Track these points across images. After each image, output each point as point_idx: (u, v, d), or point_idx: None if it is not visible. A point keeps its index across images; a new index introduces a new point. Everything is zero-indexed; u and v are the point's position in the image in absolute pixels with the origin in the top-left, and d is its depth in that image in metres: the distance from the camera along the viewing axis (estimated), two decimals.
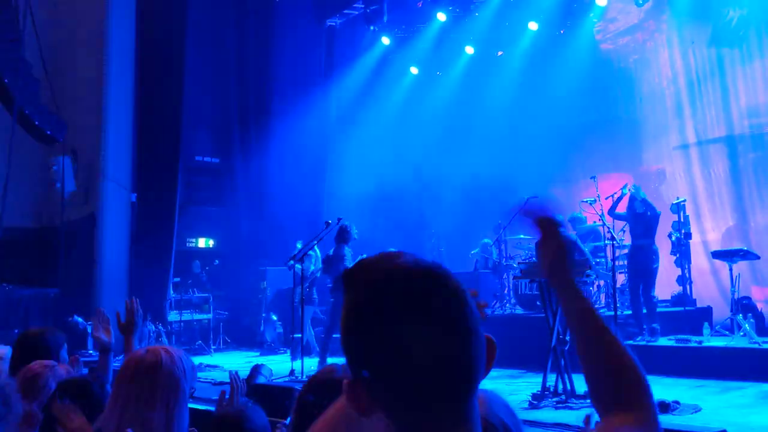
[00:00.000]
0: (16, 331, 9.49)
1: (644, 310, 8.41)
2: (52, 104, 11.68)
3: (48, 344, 3.20)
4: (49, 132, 11.52)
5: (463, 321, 0.93)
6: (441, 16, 12.80)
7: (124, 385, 2.16)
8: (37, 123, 11.31)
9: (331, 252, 9.31)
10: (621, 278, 9.79)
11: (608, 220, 9.12)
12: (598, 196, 8.83)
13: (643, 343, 7.95)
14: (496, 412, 1.47)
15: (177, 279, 12.19)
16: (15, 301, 11.15)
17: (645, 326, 8.07)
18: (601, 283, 8.91)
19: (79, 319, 10.77)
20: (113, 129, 12.08)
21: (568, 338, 6.22)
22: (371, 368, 0.93)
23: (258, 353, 10.93)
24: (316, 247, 10.03)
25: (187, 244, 13.29)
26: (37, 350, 3.09)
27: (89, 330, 11.12)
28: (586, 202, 7.48)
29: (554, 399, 6.04)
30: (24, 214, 13.10)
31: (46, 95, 11.71)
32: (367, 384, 0.93)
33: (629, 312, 8.56)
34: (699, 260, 10.03)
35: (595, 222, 9.21)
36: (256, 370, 6.49)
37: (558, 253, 1.28)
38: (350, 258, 9.06)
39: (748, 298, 9.25)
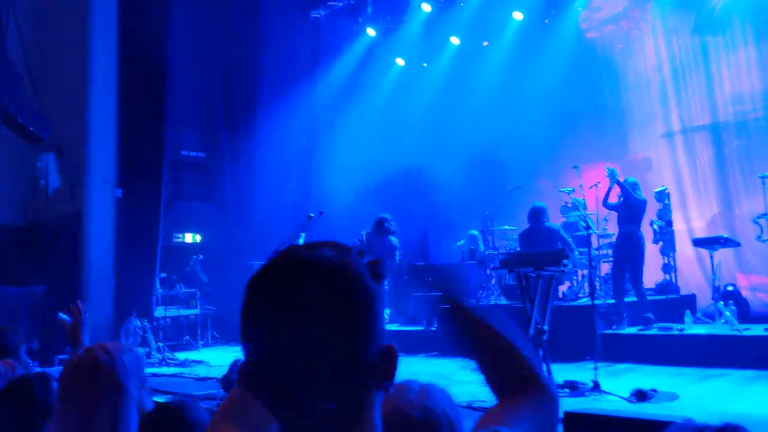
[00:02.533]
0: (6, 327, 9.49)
1: (634, 299, 8.42)
2: (35, 102, 11.62)
3: (7, 344, 3.17)
4: (33, 129, 11.45)
5: (343, 319, 0.89)
6: (426, 7, 12.76)
7: (64, 390, 2.12)
8: (20, 121, 11.23)
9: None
10: (605, 267, 9.82)
11: (592, 210, 9.14)
12: (581, 186, 8.83)
13: (622, 331, 7.96)
14: (438, 403, 1.48)
15: (164, 274, 12.17)
16: (2, 300, 11.11)
17: (624, 314, 8.06)
18: (584, 272, 8.90)
19: (65, 317, 10.72)
20: (98, 125, 12.03)
21: (546, 327, 6.22)
22: (246, 356, 0.94)
23: None
24: (301, 241, 10.02)
25: (174, 239, 13.26)
26: None
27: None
28: (565, 191, 7.47)
29: None
30: (10, 212, 13.06)
31: (30, 93, 11.65)
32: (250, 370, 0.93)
33: (613, 301, 8.55)
34: (684, 248, 10.04)
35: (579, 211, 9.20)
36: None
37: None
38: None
39: (733, 285, 9.28)
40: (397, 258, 9.81)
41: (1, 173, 11.65)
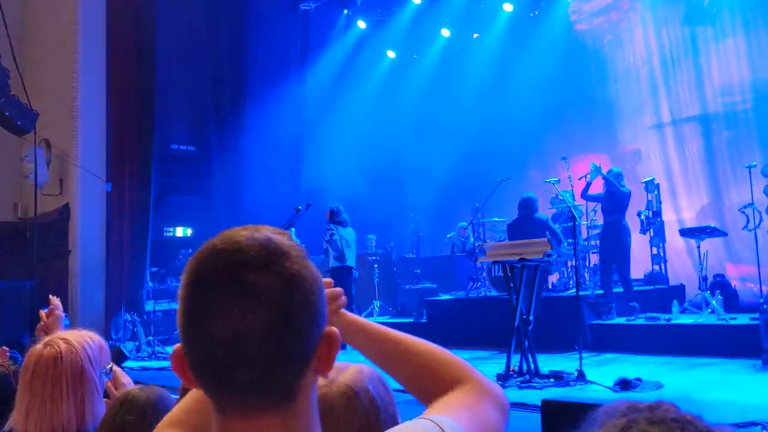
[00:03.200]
0: None
1: (620, 290, 8.44)
2: (22, 95, 11.54)
3: None
4: (19, 123, 11.38)
5: (277, 303, 0.87)
6: None
7: (26, 383, 2.10)
8: (7, 113, 11.16)
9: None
10: (594, 258, 9.83)
11: (579, 201, 9.13)
12: (570, 177, 8.81)
13: (610, 321, 7.97)
14: (361, 381, 1.47)
15: (154, 269, 12.13)
16: None
17: (613, 304, 8.08)
18: (572, 262, 8.90)
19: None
20: (86, 118, 11.99)
21: (532, 318, 6.22)
22: (181, 339, 0.90)
23: None
24: (293, 234, 10.01)
25: (165, 233, 13.21)
26: None
27: (66, 321, 11.08)
28: (550, 182, 7.47)
29: (518, 379, 6.04)
30: None
31: (17, 85, 11.57)
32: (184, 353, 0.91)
33: (601, 291, 8.56)
34: (674, 239, 10.05)
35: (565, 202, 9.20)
36: None
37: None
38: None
39: (722, 276, 9.29)
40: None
41: None
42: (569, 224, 8.81)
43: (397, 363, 1.21)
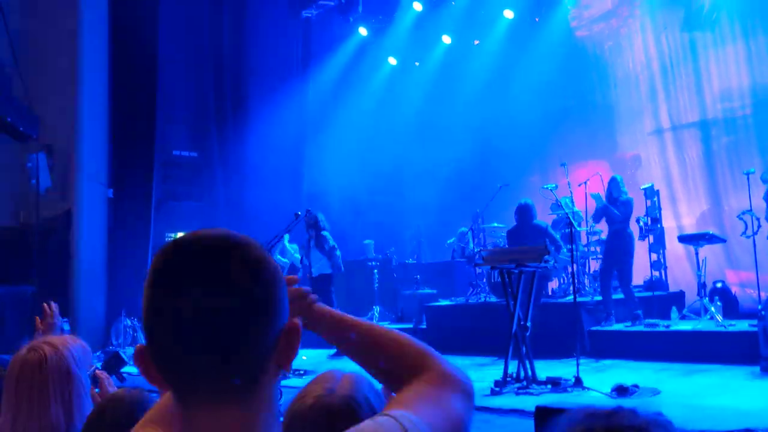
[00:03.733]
0: None
1: (621, 296, 8.45)
2: (25, 100, 11.60)
3: None
4: (22, 128, 11.44)
5: (237, 290, 0.89)
6: (417, 6, 12.77)
7: (12, 388, 2.12)
8: (9, 119, 11.22)
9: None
10: (594, 264, 9.83)
11: (581, 207, 9.15)
12: (569, 183, 8.83)
13: (609, 327, 7.97)
14: (360, 390, 1.50)
15: None
16: None
17: (612, 311, 8.08)
18: (571, 269, 8.90)
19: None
20: (88, 124, 12.03)
21: (529, 324, 6.23)
22: (144, 331, 0.93)
23: None
24: (286, 239, 10.09)
25: (166, 239, 13.23)
26: None
27: (66, 328, 11.11)
28: (548, 188, 7.48)
29: (516, 385, 6.04)
30: (1, 213, 13.05)
31: (19, 91, 11.63)
32: (148, 349, 0.92)
33: (600, 297, 8.57)
34: (674, 245, 10.04)
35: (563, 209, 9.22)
36: None
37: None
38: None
39: (722, 282, 9.28)
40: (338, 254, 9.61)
41: None
42: (568, 230, 8.82)
43: (366, 353, 1.22)
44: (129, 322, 10.74)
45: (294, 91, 13.61)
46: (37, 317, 3.33)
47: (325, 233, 9.60)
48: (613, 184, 8.49)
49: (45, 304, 3.11)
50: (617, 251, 8.29)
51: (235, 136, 13.53)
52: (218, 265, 0.89)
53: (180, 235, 0.98)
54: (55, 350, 2.17)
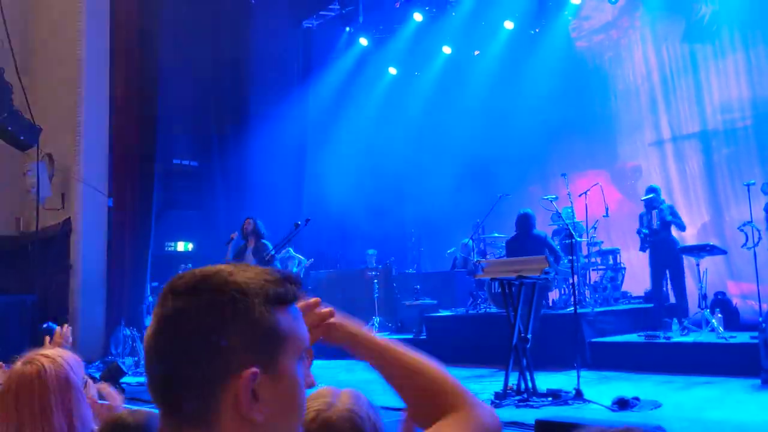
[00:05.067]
0: None
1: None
2: (25, 109, 11.62)
3: None
4: (22, 138, 11.46)
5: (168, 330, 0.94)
6: (417, 17, 12.81)
7: (12, 401, 2.11)
8: (10, 128, 11.24)
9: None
10: (594, 275, 9.83)
11: (581, 218, 9.15)
12: (569, 194, 8.85)
13: (609, 339, 7.96)
14: (361, 405, 1.51)
15: (155, 283, 12.12)
16: None
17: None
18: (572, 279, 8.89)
19: (54, 326, 10.68)
20: (88, 133, 12.04)
21: (530, 336, 6.20)
22: None
23: None
24: (290, 249, 10.08)
25: (166, 248, 13.24)
26: None
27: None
28: (548, 199, 7.48)
29: (516, 398, 6.01)
30: (1, 222, 13.06)
31: (20, 100, 11.65)
32: None
33: (601, 309, 8.57)
34: None
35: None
36: None
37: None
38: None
39: (723, 293, 9.26)
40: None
41: None
42: (568, 241, 8.82)
43: (399, 381, 1.22)
44: (128, 332, 10.70)
45: (295, 100, 13.64)
46: (47, 337, 3.33)
47: (265, 241, 9.18)
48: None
49: (59, 327, 3.13)
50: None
51: (236, 145, 13.54)
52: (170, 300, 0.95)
53: None
54: (52, 360, 2.18)
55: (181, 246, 13.59)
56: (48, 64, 12.95)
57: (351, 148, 13.44)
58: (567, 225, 6.80)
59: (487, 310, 9.49)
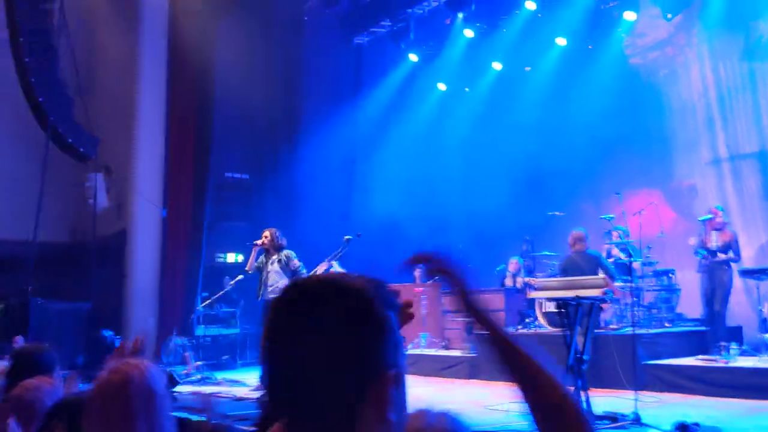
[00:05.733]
0: (47, 344, 9.72)
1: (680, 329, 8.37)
2: (85, 122, 11.99)
3: (45, 361, 3.23)
4: (82, 149, 11.82)
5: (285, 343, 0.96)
6: (468, 33, 12.81)
7: (99, 409, 2.17)
8: (70, 141, 11.61)
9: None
10: (649, 296, 9.64)
11: (636, 237, 9.00)
12: (624, 213, 8.73)
13: (666, 361, 7.80)
14: (458, 428, 1.52)
15: (206, 294, 12.32)
16: (49, 315, 11.40)
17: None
18: (626, 300, 8.76)
19: (108, 333, 10.95)
20: (145, 146, 12.37)
21: (587, 357, 6.12)
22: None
23: None
24: (336, 263, 10.09)
25: (216, 259, 13.44)
26: (35, 367, 3.13)
27: (116, 345, 11.34)
28: (606, 218, 7.38)
29: None
30: (58, 230, 13.44)
31: (80, 113, 12.02)
32: None
33: (657, 330, 8.42)
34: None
35: (622, 238, 9.10)
36: None
37: (459, 290, 1.28)
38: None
39: None
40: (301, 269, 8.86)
41: (52, 192, 11.98)
42: (622, 261, 8.70)
43: (519, 372, 1.25)
44: (180, 341, 10.88)
45: (344, 115, 13.77)
46: (119, 347, 3.41)
47: (288, 251, 8.96)
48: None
49: (136, 338, 3.18)
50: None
51: (287, 159, 13.72)
52: (311, 313, 0.96)
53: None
54: (137, 371, 2.23)
55: (231, 257, 13.78)
56: (108, 80, 13.33)
57: (399, 164, 13.48)
58: (627, 244, 6.69)
59: (538, 329, 9.38)
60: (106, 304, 12.27)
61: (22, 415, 2.71)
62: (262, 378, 1.00)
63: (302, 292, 0.99)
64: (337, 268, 10.21)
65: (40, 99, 10.99)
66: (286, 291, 1.00)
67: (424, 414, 1.52)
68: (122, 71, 12.87)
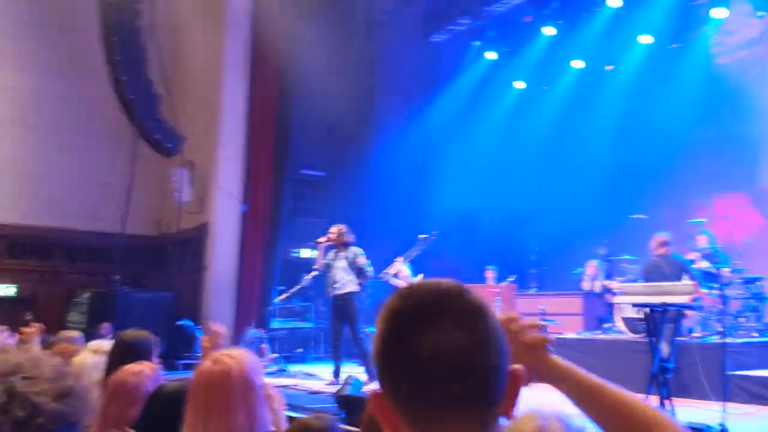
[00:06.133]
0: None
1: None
2: (171, 119, 12.41)
3: (146, 348, 3.37)
4: (168, 145, 12.25)
5: (476, 324, 0.98)
6: (549, 31, 12.61)
7: (201, 397, 2.25)
8: (157, 136, 12.05)
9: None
10: (736, 304, 9.27)
11: (723, 243, 8.69)
12: (710, 218, 8.44)
13: (753, 372, 7.49)
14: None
15: (282, 287, 12.56)
16: (133, 304, 11.88)
17: None
18: (713, 308, 8.45)
19: (189, 323, 11.30)
20: (227, 142, 12.71)
21: (671, 366, 5.95)
22: (389, 370, 0.99)
23: (357, 364, 11.06)
24: (407, 265, 10.12)
25: (292, 254, 13.68)
26: (136, 352, 3.26)
27: (198, 334, 11.70)
28: (695, 223, 7.14)
29: None
30: (144, 223, 13.97)
31: (167, 111, 12.46)
32: (387, 390, 0.98)
33: (745, 340, 8.11)
34: None
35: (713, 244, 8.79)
36: (346, 381, 6.61)
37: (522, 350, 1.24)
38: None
39: None
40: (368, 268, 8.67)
41: (139, 186, 12.47)
42: (713, 266, 8.41)
43: (602, 415, 1.25)
44: (256, 333, 11.13)
45: (420, 114, 13.79)
46: (206, 336, 3.53)
47: (354, 247, 8.84)
48: None
49: (218, 327, 3.28)
50: None
51: (362, 156, 13.83)
52: (458, 301, 0.99)
53: (417, 289, 1.04)
54: (237, 362, 2.32)
55: (305, 253, 14.00)
56: (192, 77, 13.74)
57: (475, 162, 13.40)
58: (717, 250, 6.47)
59: (617, 335, 9.16)
60: (187, 295, 12.69)
61: (125, 399, 2.84)
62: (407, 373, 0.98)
63: (456, 284, 1.03)
64: (405, 271, 10.12)
65: (130, 96, 11.44)
66: (418, 289, 1.03)
67: (535, 416, 1.52)
68: (206, 70, 13.26)
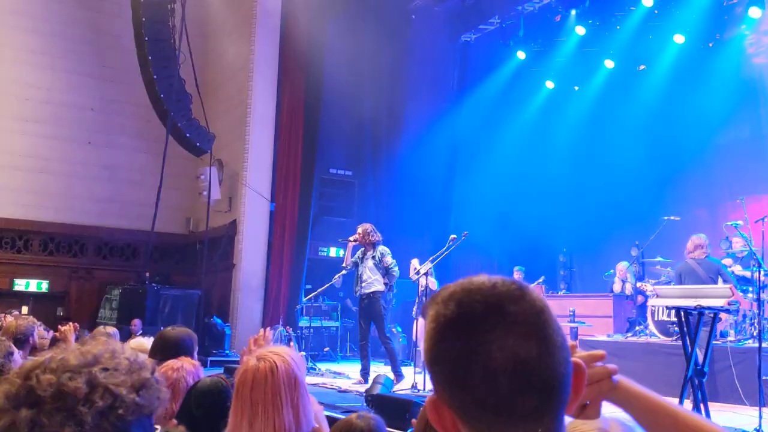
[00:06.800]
0: (161, 328, 10.25)
1: None
2: (202, 118, 12.51)
3: (187, 344, 3.39)
4: (198, 144, 12.34)
5: (541, 331, 0.93)
6: (580, 30, 12.49)
7: (247, 394, 2.26)
8: (187, 135, 12.15)
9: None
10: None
11: (758, 246, 8.52)
12: (746, 220, 8.27)
13: None
14: None
15: (309, 286, 12.60)
16: (162, 300, 12.00)
17: None
18: (747, 311, 8.30)
19: (218, 321, 11.37)
20: (256, 142, 12.79)
21: (706, 369, 5.85)
22: (450, 381, 0.94)
23: (383, 363, 11.06)
24: (432, 269, 10.04)
25: (319, 253, 13.73)
26: (177, 348, 3.29)
27: (227, 331, 11.78)
28: (731, 225, 7.01)
29: None
30: (174, 221, 14.11)
31: (197, 110, 12.56)
32: (447, 400, 0.95)
33: None
34: None
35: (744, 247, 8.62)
36: (376, 380, 6.60)
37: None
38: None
39: None
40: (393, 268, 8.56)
41: (169, 185, 12.57)
42: (750, 269, 8.26)
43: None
44: (284, 331, 11.18)
45: (449, 112, 13.75)
46: (252, 339, 3.53)
47: (382, 247, 8.76)
48: None
49: (262, 330, 3.29)
50: None
51: (389, 156, 13.84)
52: (516, 308, 0.93)
53: (460, 283, 0.99)
54: (282, 359, 2.32)
55: (333, 252, 14.04)
56: (222, 78, 13.85)
57: (503, 161, 13.31)
58: (755, 252, 6.35)
59: (649, 337, 9.05)
60: (216, 292, 12.79)
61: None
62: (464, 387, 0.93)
63: (513, 284, 0.97)
64: (430, 272, 9.89)
65: (162, 95, 11.55)
66: (474, 296, 0.96)
67: (593, 421, 1.50)
68: (236, 70, 13.35)
